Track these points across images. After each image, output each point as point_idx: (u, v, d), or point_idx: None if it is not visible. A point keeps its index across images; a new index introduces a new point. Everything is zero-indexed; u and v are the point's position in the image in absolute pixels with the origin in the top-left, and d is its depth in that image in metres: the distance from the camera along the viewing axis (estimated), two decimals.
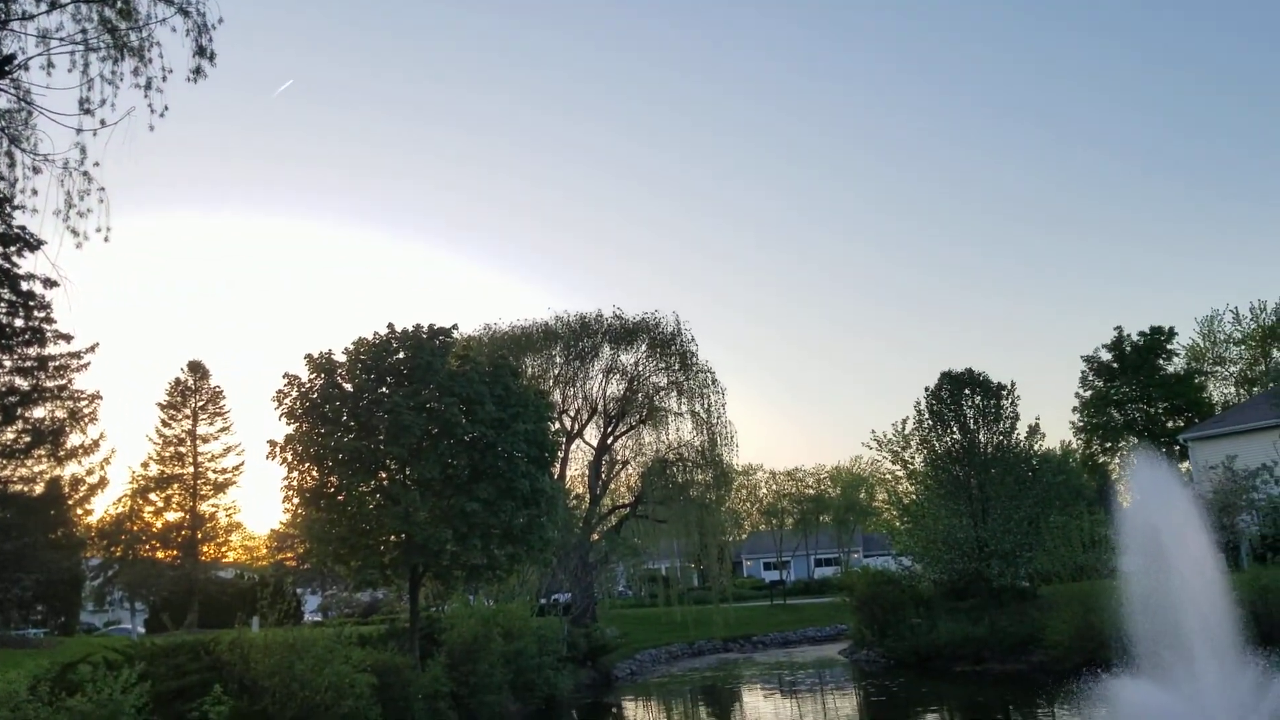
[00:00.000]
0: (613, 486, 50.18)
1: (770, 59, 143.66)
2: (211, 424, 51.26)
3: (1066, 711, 23.93)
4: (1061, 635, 31.50)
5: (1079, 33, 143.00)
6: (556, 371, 47.00)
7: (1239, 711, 16.02)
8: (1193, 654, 17.25)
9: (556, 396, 45.62)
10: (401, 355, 27.28)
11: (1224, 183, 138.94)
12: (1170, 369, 61.43)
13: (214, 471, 50.77)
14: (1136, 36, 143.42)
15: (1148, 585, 18.56)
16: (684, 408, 46.85)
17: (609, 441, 48.35)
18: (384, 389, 26.76)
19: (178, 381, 51.05)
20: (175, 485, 49.71)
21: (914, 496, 42.73)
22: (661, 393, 47.25)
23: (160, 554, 49.19)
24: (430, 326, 28.07)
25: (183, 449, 50.35)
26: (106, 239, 13.06)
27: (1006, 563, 37.08)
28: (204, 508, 50.17)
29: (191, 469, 50.22)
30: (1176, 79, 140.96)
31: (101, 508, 49.12)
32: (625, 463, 49.15)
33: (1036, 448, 40.32)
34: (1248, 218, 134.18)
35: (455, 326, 28.79)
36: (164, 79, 13.57)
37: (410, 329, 27.84)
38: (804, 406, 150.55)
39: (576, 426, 48.13)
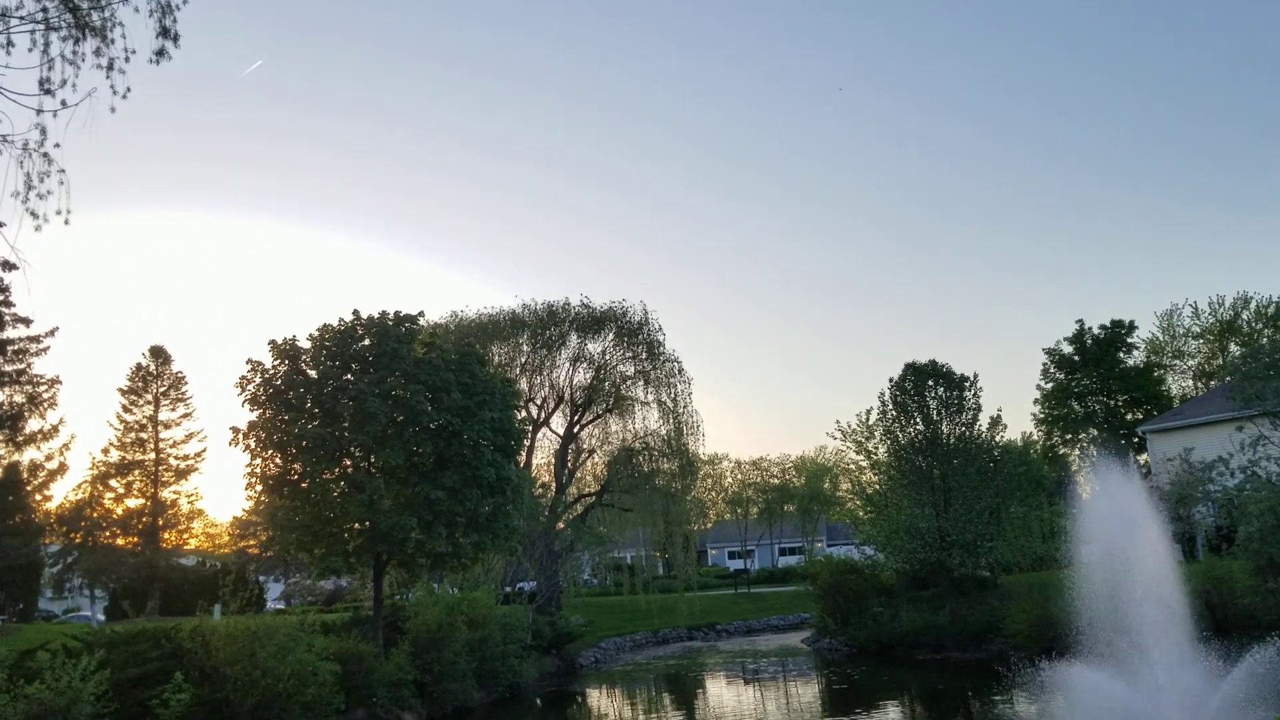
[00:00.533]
0: (579, 475, 50.21)
1: (728, 57, 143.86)
2: (174, 410, 50.66)
3: (1024, 699, 24.29)
4: (1020, 624, 31.94)
5: (1039, 35, 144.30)
6: (523, 360, 46.94)
7: (1192, 700, 16.31)
8: (1148, 644, 17.55)
9: (523, 385, 45.57)
10: (367, 342, 27.17)
11: (1184, 180, 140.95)
12: (1130, 362, 62.21)
13: (176, 458, 50.20)
14: (1089, 41, 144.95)
15: (1105, 575, 18.84)
16: (651, 397, 46.98)
17: (575, 430, 48.37)
18: (349, 376, 26.66)
19: (139, 367, 50.41)
20: (136, 471, 49.10)
21: (877, 486, 43.06)
22: (628, 382, 47.32)
23: (121, 541, 48.61)
24: (396, 314, 27.96)
25: (144, 435, 49.73)
26: (67, 222, 12.88)
27: (968, 552, 37.50)
28: (165, 494, 49.58)
29: (153, 455, 49.61)
30: (1135, 80, 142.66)
31: (61, 494, 48.63)
32: (591, 451, 49.22)
33: (998, 439, 40.72)
34: (1207, 215, 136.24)
35: (421, 314, 28.71)
36: (126, 60, 13.38)
37: (376, 316, 27.73)
38: (769, 396, 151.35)
39: (543, 415, 48.11)
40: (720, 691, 32.94)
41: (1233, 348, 61.34)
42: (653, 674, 39.10)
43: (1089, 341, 61.98)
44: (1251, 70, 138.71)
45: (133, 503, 49.23)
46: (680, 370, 47.11)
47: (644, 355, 47.14)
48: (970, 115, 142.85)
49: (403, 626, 29.09)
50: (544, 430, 48.52)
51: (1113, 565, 18.48)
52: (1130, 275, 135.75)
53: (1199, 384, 64.27)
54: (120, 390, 50.09)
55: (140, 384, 50.28)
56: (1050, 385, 63.34)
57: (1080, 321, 63.13)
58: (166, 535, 50.01)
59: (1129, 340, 62.46)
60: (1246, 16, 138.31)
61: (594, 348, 47.68)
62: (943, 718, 25.55)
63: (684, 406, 46.67)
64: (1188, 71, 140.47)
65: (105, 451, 49.02)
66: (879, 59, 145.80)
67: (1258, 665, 16.33)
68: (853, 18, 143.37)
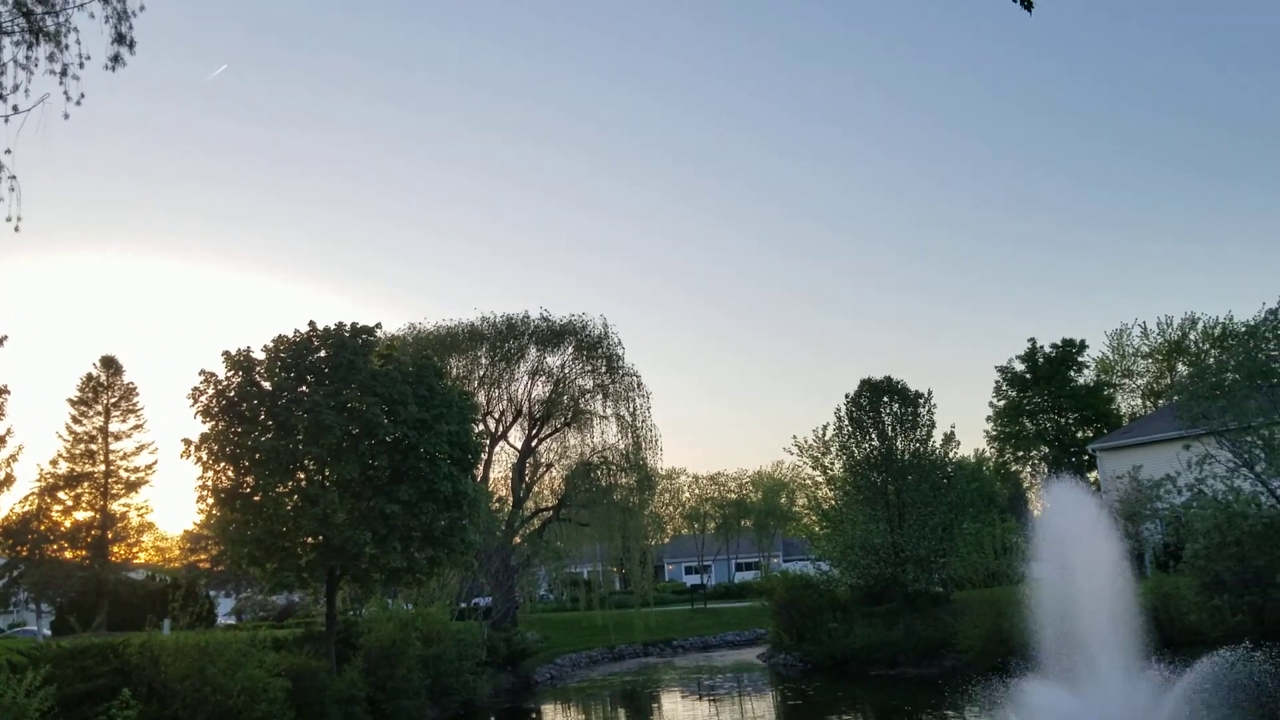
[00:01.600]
0: (536, 489, 50.01)
1: (690, 67, 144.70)
2: (124, 421, 49.90)
3: (976, 715, 24.50)
4: (973, 640, 32.25)
5: (996, 56, 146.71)
6: (482, 373, 46.74)
7: (1140, 715, 16.58)
8: (1097, 659, 17.81)
9: (481, 398, 45.34)
10: (323, 354, 26.90)
11: (1135, 202, 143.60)
12: (1081, 380, 63.17)
13: (126, 470, 49.44)
14: (1044, 63, 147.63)
15: (1056, 592, 19.12)
16: (609, 411, 46.97)
17: (533, 444, 48.20)
18: (304, 388, 26.37)
19: (90, 377, 49.63)
20: (85, 484, 48.28)
21: (833, 502, 43.35)
22: (587, 395, 47.29)
23: (68, 554, 47.76)
24: (353, 325, 27.73)
25: (94, 446, 48.92)
26: (17, 229, 12.68)
27: (921, 568, 37.83)
28: (115, 507, 48.77)
29: (103, 467, 48.80)
30: (1087, 104, 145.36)
31: (7, 506, 47.58)
32: (549, 465, 49.06)
33: (952, 455, 41.21)
34: (1157, 236, 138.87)
35: (379, 325, 28.51)
36: (81, 66, 13.24)
37: (332, 327, 27.48)
38: (727, 411, 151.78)
39: (501, 428, 47.90)
40: (675, 708, 32.92)
41: (1180, 367, 62.49)
42: (608, 690, 38.98)
43: (1041, 360, 62.86)
44: (1199, 99, 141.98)
45: (81, 515, 48.41)
46: (639, 384, 47.21)
47: (603, 369, 47.16)
48: (926, 135, 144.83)
49: (356, 642, 28.78)
50: (502, 444, 48.34)
51: (1065, 582, 18.76)
52: (1081, 295, 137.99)
53: (1148, 403, 65.40)
54: (70, 401, 49.32)
55: (91, 394, 49.51)
56: (1002, 403, 64.14)
57: (1032, 340, 64.15)
58: (115, 549, 49.18)
59: (1080, 359, 63.45)
60: (1195, 44, 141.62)
61: (553, 361, 47.66)
62: None
63: (643, 421, 46.75)
64: (1138, 97, 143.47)
65: (54, 463, 48.19)
66: (838, 74, 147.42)
67: (1203, 680, 16.64)
68: (813, 32, 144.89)
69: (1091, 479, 51.95)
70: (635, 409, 46.72)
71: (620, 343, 47.51)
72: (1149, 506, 33.83)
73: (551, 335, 47.27)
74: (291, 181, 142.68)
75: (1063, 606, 18.78)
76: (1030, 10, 9.39)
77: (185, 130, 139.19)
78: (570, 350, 47.44)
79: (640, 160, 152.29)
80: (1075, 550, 18.88)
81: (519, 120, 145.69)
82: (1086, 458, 54.41)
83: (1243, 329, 32.94)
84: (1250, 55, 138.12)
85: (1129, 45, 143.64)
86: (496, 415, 47.53)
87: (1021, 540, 34.81)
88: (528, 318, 47.43)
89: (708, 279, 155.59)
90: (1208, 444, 27.47)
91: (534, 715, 34.09)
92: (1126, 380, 67.54)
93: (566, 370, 47.46)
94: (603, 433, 46.97)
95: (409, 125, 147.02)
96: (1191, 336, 64.40)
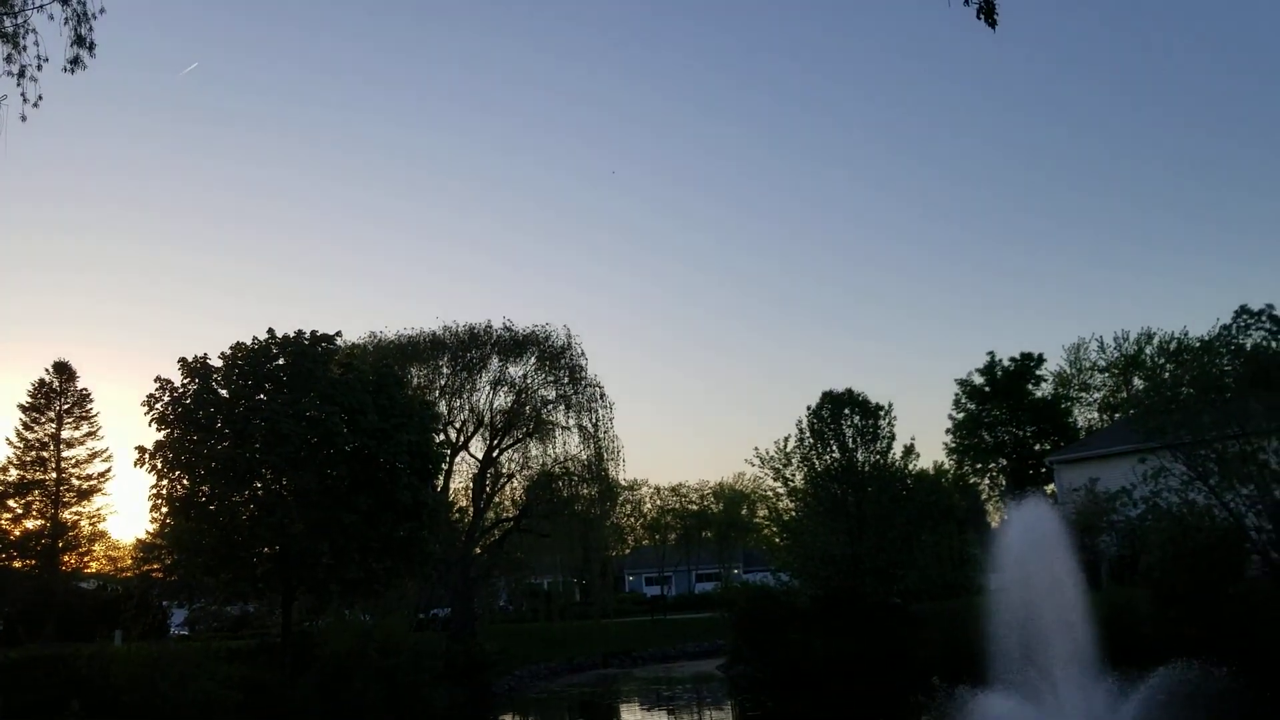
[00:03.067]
0: (497, 500, 49.65)
1: (651, 72, 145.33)
2: (77, 428, 49.04)
3: None
4: (930, 651, 32.38)
5: (950, 61, 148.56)
6: (443, 382, 46.37)
7: None
8: (1054, 670, 17.95)
9: (442, 408, 44.95)
10: (282, 361, 26.65)
11: (1092, 217, 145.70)
12: (1039, 394, 63.85)
13: (78, 478, 48.58)
14: (1005, 71, 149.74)
15: (1013, 603, 19.25)
16: (572, 421, 46.78)
17: (495, 454, 47.85)
18: (262, 396, 26.12)
19: (41, 383, 48.74)
20: (36, 491, 47.38)
21: (793, 513, 43.43)
22: (550, 406, 47.06)
23: (17, 563, 46.83)
24: (313, 333, 27.50)
25: (45, 454, 48.03)
26: None
27: (880, 579, 37.98)
28: (66, 515, 47.91)
29: (54, 475, 47.93)
30: (1052, 111, 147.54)
31: None
32: (511, 476, 48.69)
33: (911, 467, 41.45)
34: (1115, 249, 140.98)
35: (339, 334, 28.30)
36: (39, 68, 13.01)
37: (292, 335, 27.23)
38: (689, 422, 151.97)
39: (462, 439, 47.53)
40: (634, 719, 32.79)
41: (1136, 381, 63.30)
42: (567, 702, 38.78)
43: (999, 373, 63.45)
44: (1156, 116, 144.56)
45: (31, 524, 47.49)
46: (602, 395, 47.08)
47: (566, 380, 46.97)
48: (886, 151, 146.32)
49: (312, 654, 28.40)
50: (463, 454, 47.94)
51: (1022, 593, 18.89)
52: (1040, 309, 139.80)
53: (1104, 416, 66.22)
54: (21, 407, 48.40)
55: (43, 401, 48.62)
56: (961, 415, 64.65)
57: (991, 353, 64.76)
58: (66, 558, 48.30)
59: (1038, 372, 64.13)
60: (1159, 50, 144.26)
61: (515, 371, 47.37)
62: None
63: (605, 431, 46.63)
64: (1096, 113, 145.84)
65: (4, 470, 47.25)
66: (799, 91, 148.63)
67: (1158, 692, 16.82)
68: (767, 46, 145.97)
69: (1049, 491, 52.50)
70: (598, 420, 46.64)
71: (584, 353, 47.43)
72: (1105, 519, 34.24)
73: (514, 345, 47.02)
74: (251, 186, 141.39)
75: (1020, 618, 18.91)
76: (994, 27, 9.51)
77: (143, 129, 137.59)
78: (533, 360, 47.24)
79: (605, 172, 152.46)
80: (1032, 562, 19.04)
81: (484, 129, 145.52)
82: (1044, 470, 54.97)
83: (1197, 344, 33.46)
84: (1210, 71, 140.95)
85: (1086, 63, 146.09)
86: (458, 425, 47.17)
87: (979, 552, 35.09)
88: (490, 327, 47.20)
89: (671, 291, 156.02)
90: (1163, 457, 27.85)
91: None
92: (1083, 394, 68.35)
93: (529, 380, 47.22)
94: (565, 443, 46.80)
95: (372, 131, 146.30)
96: (1147, 351, 65.26)
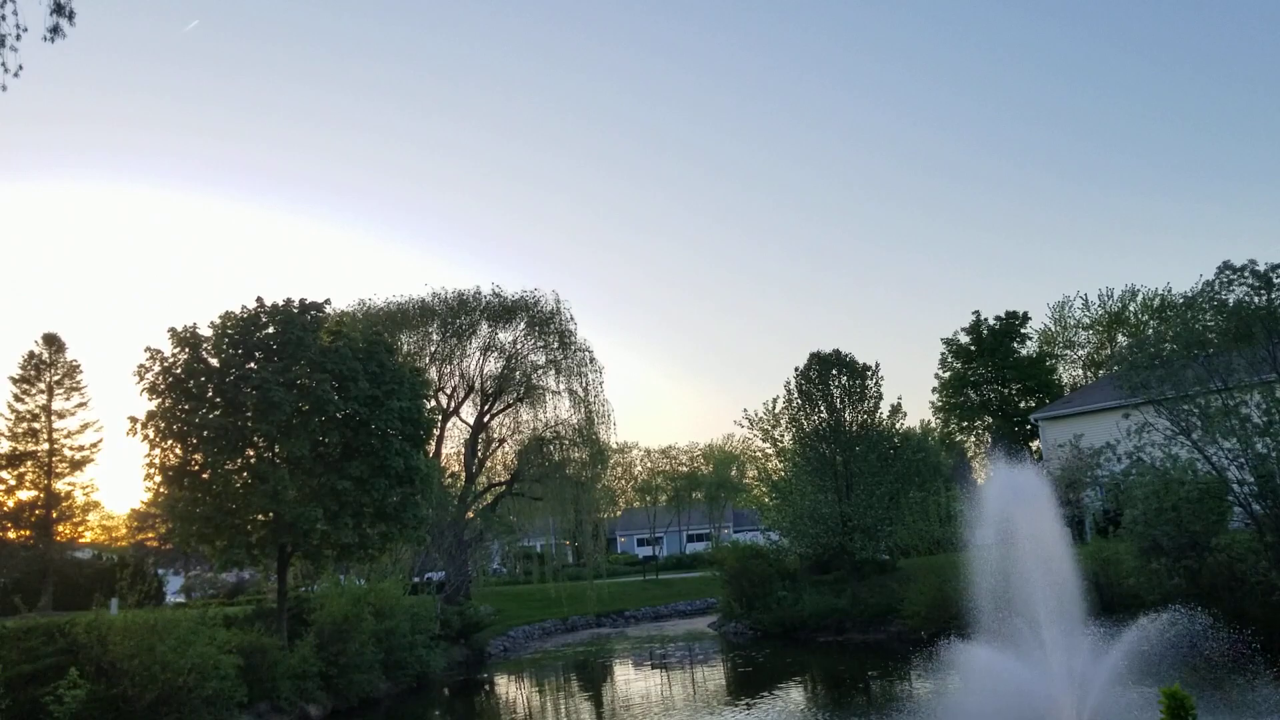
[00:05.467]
0: (489, 464, 50.01)
1: (643, 46, 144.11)
2: (68, 399, 49.13)
3: (922, 678, 25.08)
4: (918, 606, 32.92)
5: (936, 28, 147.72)
6: (433, 349, 46.49)
7: (1080, 674, 17.06)
8: (1038, 622, 18.28)
9: (433, 374, 45.11)
10: (271, 330, 26.67)
11: (1076, 173, 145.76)
12: (1024, 352, 64.22)
13: (71, 449, 48.73)
14: (990, 31, 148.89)
15: (998, 558, 19.56)
16: (562, 386, 46.99)
17: (486, 419, 48.14)
18: (252, 364, 26.16)
19: (32, 355, 48.74)
20: (29, 463, 47.54)
21: (782, 473, 43.82)
22: (539, 371, 47.24)
23: (12, 534, 47.06)
24: (302, 301, 27.50)
25: (37, 425, 48.12)
26: None
27: (868, 537, 38.45)
28: (60, 486, 48.09)
29: (46, 446, 48.04)
30: (1035, 75, 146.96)
31: None
32: (502, 441, 49.04)
33: (898, 426, 41.82)
34: (1099, 207, 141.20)
35: (328, 301, 28.27)
36: (18, 38, 12.97)
37: (281, 303, 27.24)
38: (679, 385, 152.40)
39: (453, 404, 47.76)
40: (628, 676, 33.26)
41: (1120, 338, 63.79)
42: (561, 661, 39.26)
43: (985, 332, 63.76)
44: (1140, 78, 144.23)
45: (24, 495, 47.67)
46: (591, 359, 47.25)
47: (555, 345, 47.12)
48: (870, 114, 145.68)
49: (308, 619, 28.70)
50: (454, 420, 48.21)
51: (1006, 547, 19.20)
52: (1024, 267, 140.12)
53: (1089, 373, 66.73)
54: (12, 379, 48.55)
55: (33, 372, 48.68)
56: (948, 374, 65.04)
57: (976, 312, 65.09)
58: (60, 528, 48.54)
59: (1023, 331, 64.47)
60: (1138, 29, 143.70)
61: (505, 337, 47.52)
62: (844, 698, 26.20)
63: (595, 395, 46.87)
64: (1080, 75, 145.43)
65: None
66: (787, 60, 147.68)
67: (1140, 642, 17.17)
68: (757, 19, 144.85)
69: (1034, 448, 53.02)
70: (588, 384, 46.85)
71: (572, 318, 47.54)
72: (1089, 474, 34.61)
73: (503, 311, 47.12)
74: (239, 155, 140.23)
75: (1005, 572, 19.22)
76: None
77: (131, 91, 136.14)
78: (522, 326, 47.35)
79: (593, 138, 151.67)
80: (1017, 517, 19.31)
81: (475, 99, 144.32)
82: (1029, 427, 55.48)
83: (1180, 300, 33.70)
84: (1192, 42, 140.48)
85: (1070, 17, 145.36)
86: (448, 391, 47.38)
87: (965, 508, 35.48)
88: (479, 294, 47.28)
89: (658, 254, 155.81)
90: (1146, 413, 28.12)
91: (487, 687, 34.25)
92: (1068, 351, 68.84)
93: (519, 346, 47.38)
94: (555, 408, 47.07)
95: (363, 99, 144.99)
96: (1131, 308, 65.75)
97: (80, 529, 51.24)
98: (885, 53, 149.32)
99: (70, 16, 13.71)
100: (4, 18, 13.46)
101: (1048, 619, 18.38)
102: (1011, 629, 18.76)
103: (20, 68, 13.45)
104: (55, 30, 13.64)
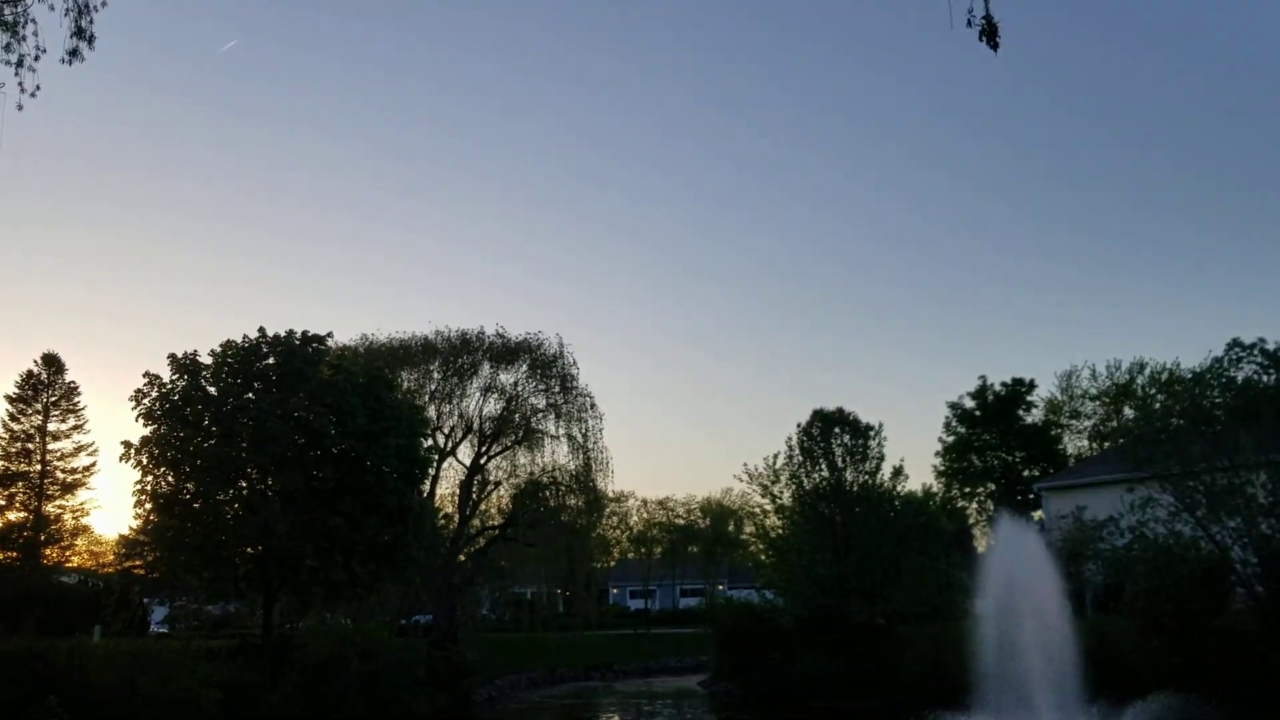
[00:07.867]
0: (483, 507, 49.48)
1: (650, 84, 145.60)
2: (64, 421, 48.95)
3: None
4: (914, 674, 32.29)
5: (947, 79, 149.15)
6: (433, 387, 46.27)
7: None
8: (1036, 696, 17.90)
9: (432, 412, 44.82)
10: (271, 361, 26.58)
11: (1086, 247, 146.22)
12: (1029, 420, 63.91)
13: (63, 471, 48.49)
14: (991, 97, 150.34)
15: (998, 628, 19.22)
16: (561, 431, 46.68)
17: (482, 461, 47.73)
18: (250, 394, 26.02)
19: (30, 374, 48.66)
20: (20, 483, 47.26)
21: (780, 531, 43.34)
22: (539, 414, 46.97)
23: None
24: (304, 333, 27.42)
25: (31, 446, 47.91)
26: None
27: (866, 600, 37.88)
28: (50, 508, 47.77)
29: (39, 467, 47.78)
30: (1046, 133, 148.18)
31: None
32: (498, 484, 48.54)
33: (900, 489, 41.40)
34: (1109, 279, 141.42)
35: (330, 335, 28.22)
36: (37, 59, 12.96)
37: (282, 334, 27.14)
38: (679, 435, 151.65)
39: (450, 444, 47.39)
40: None
41: (1126, 411, 63.44)
42: (547, 712, 38.61)
43: (990, 398, 63.50)
44: (1153, 139, 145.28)
45: (14, 516, 47.31)
46: (592, 405, 47.01)
47: (557, 388, 46.90)
48: (881, 168, 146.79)
49: (292, 656, 28.21)
50: (450, 460, 47.76)
51: (1007, 618, 18.86)
52: (1033, 335, 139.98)
53: (1094, 444, 66.27)
54: (8, 398, 48.35)
55: (30, 392, 48.53)
56: (952, 438, 64.69)
57: (983, 378, 64.81)
58: (48, 551, 48.11)
59: (1029, 398, 64.20)
60: (1142, 78, 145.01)
61: (506, 378, 47.30)
62: None
63: (594, 442, 46.54)
64: (1092, 135, 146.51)
65: None
66: (795, 101, 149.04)
67: None
68: (760, 45, 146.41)
69: (1036, 517, 52.51)
70: (587, 430, 46.56)
71: (575, 363, 47.38)
72: (1091, 547, 34.21)
73: (506, 352, 46.97)
74: (246, 183, 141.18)
75: (1004, 643, 18.87)
76: (995, 49, 9.51)
77: (141, 121, 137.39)
78: (524, 368, 47.17)
79: (600, 183, 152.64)
80: (1018, 588, 19.01)
81: (483, 133, 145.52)
82: (1032, 496, 55.00)
83: (1189, 375, 33.51)
84: (1202, 96, 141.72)
85: (1081, 90, 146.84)
86: (446, 431, 47.05)
87: (965, 576, 35.02)
88: (483, 334, 47.14)
89: (665, 303, 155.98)
90: (1151, 487, 27.85)
91: None
92: (1074, 421, 68.41)
93: (519, 388, 47.15)
94: (553, 453, 46.70)
95: (368, 134, 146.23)
96: (1139, 381, 65.39)
97: (68, 553, 50.82)
98: (898, 112, 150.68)
99: (90, 40, 13.69)
100: (24, 38, 13.45)
101: (1045, 693, 18.01)
102: (1009, 701, 18.39)
103: (38, 88, 13.42)
104: (74, 53, 13.61)
